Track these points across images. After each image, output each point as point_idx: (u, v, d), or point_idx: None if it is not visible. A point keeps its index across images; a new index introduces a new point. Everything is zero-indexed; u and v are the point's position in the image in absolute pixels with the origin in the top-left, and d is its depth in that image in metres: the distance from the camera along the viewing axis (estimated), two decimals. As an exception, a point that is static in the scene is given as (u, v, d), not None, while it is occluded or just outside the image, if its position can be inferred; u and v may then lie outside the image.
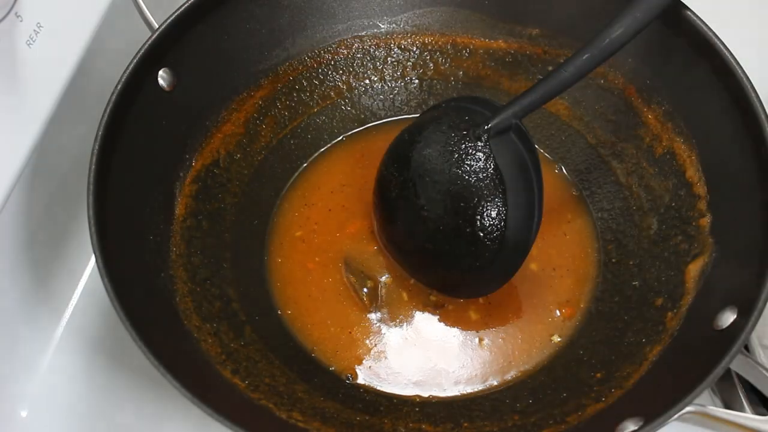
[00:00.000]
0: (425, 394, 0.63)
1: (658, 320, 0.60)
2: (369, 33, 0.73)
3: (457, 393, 0.63)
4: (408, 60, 0.74)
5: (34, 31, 0.57)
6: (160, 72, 0.61)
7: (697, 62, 0.60)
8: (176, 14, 0.61)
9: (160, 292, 0.59)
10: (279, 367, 0.62)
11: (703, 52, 0.59)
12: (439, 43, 0.74)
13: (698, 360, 0.52)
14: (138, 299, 0.54)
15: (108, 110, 0.57)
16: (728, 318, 0.53)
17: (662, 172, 0.65)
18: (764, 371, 0.56)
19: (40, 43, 0.57)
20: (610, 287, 0.66)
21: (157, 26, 0.61)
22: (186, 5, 0.61)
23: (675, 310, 0.59)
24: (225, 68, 0.68)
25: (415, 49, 0.74)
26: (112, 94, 0.57)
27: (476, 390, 0.63)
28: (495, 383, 0.64)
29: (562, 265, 0.68)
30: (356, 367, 0.64)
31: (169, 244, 0.62)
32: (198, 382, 0.51)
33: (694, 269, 0.59)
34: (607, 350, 0.62)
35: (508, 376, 0.64)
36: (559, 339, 0.65)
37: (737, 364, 0.58)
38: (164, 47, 0.61)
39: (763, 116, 0.55)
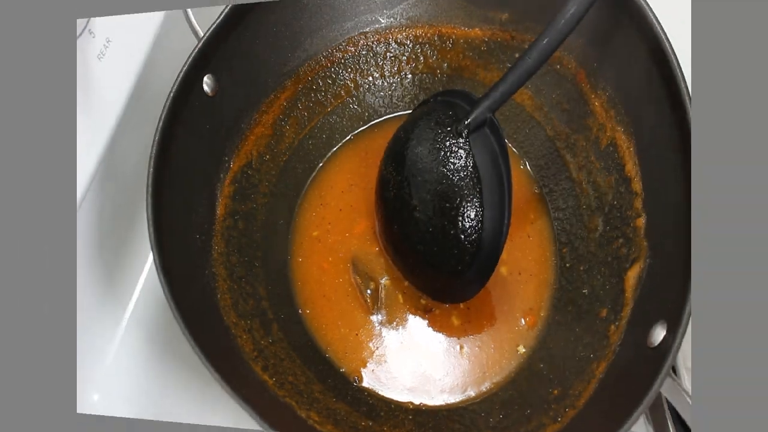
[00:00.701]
0: (417, 401, 0.65)
1: (603, 333, 0.60)
2: (372, 29, 0.75)
3: (442, 402, 0.65)
4: (403, 54, 0.77)
5: (104, 45, 0.60)
6: (205, 78, 0.63)
7: (637, 46, 0.59)
8: (218, 21, 0.62)
9: (205, 288, 0.61)
10: (300, 366, 0.64)
11: (644, 37, 0.58)
12: (428, 34, 0.75)
13: (634, 381, 0.52)
14: (188, 296, 0.57)
15: (163, 117, 0.59)
16: (659, 334, 0.52)
17: (606, 166, 0.66)
18: (687, 397, 0.53)
19: (108, 57, 0.60)
20: (565, 295, 0.67)
21: (202, 34, 0.62)
22: (225, 12, 0.63)
23: (617, 323, 0.59)
24: (257, 71, 0.69)
25: (408, 42, 0.76)
26: (167, 100, 0.59)
27: (458, 400, 0.65)
28: (472, 394, 0.65)
29: (526, 269, 0.69)
30: (362, 369, 0.66)
31: (212, 243, 0.64)
32: (235, 377, 0.54)
33: (632, 276, 0.60)
34: (562, 364, 0.63)
35: (483, 388, 0.65)
36: (523, 350, 0.66)
37: (667, 388, 0.55)
38: (209, 54, 0.62)
39: (689, 113, 0.54)
